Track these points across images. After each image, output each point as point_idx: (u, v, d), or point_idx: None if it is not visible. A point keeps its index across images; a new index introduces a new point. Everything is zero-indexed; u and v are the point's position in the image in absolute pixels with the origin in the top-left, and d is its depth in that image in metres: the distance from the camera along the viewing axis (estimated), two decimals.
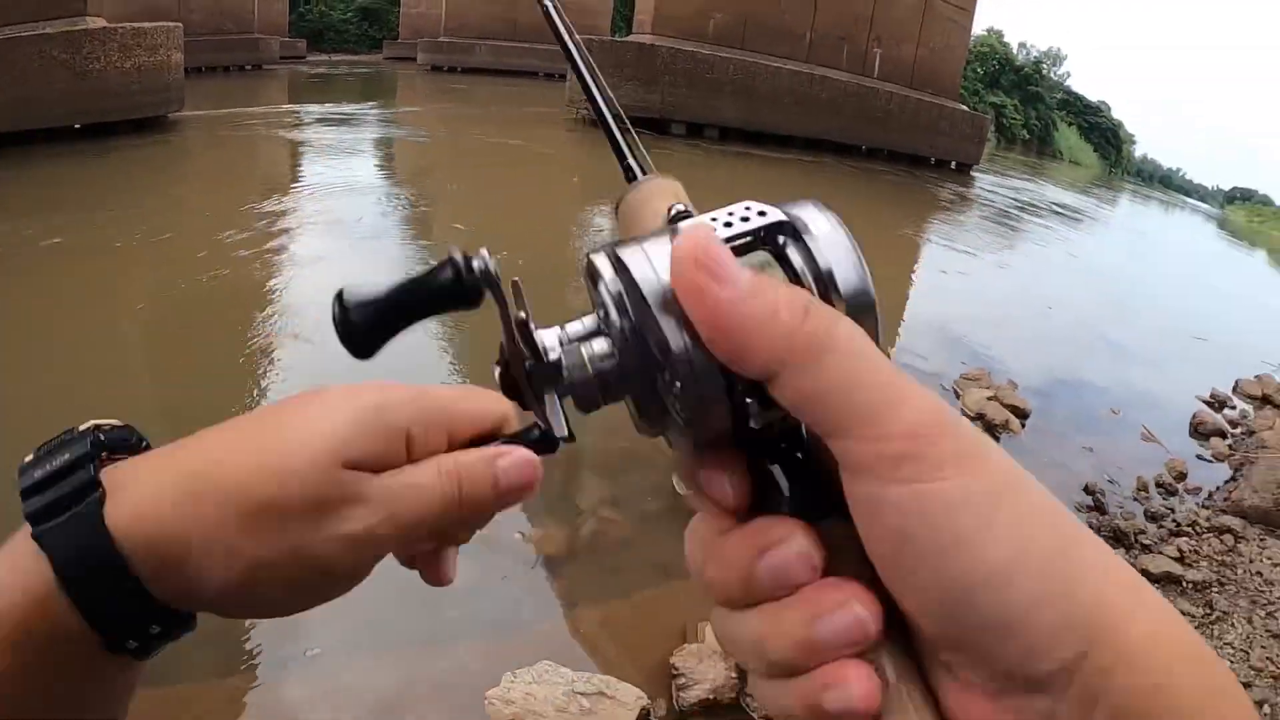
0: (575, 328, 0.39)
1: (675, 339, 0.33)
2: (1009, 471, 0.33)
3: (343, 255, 7.48)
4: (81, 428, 0.46)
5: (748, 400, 0.34)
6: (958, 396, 5.84)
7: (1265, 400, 6.93)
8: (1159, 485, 5.06)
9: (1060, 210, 19.38)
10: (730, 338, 0.32)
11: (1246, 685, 3.21)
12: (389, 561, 0.50)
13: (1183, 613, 3.65)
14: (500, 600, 3.39)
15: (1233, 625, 3.68)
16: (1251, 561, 4.24)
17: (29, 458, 0.45)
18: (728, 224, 0.37)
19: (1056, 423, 5.76)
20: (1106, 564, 0.33)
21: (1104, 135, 67.25)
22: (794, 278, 0.36)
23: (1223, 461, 5.59)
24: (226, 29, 24.38)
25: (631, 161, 0.57)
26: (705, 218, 0.38)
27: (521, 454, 0.49)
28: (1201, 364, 8.08)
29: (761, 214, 0.38)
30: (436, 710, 2.80)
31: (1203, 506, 4.85)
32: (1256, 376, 7.42)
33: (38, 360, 4.88)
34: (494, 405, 0.51)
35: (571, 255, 8.77)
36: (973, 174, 21.50)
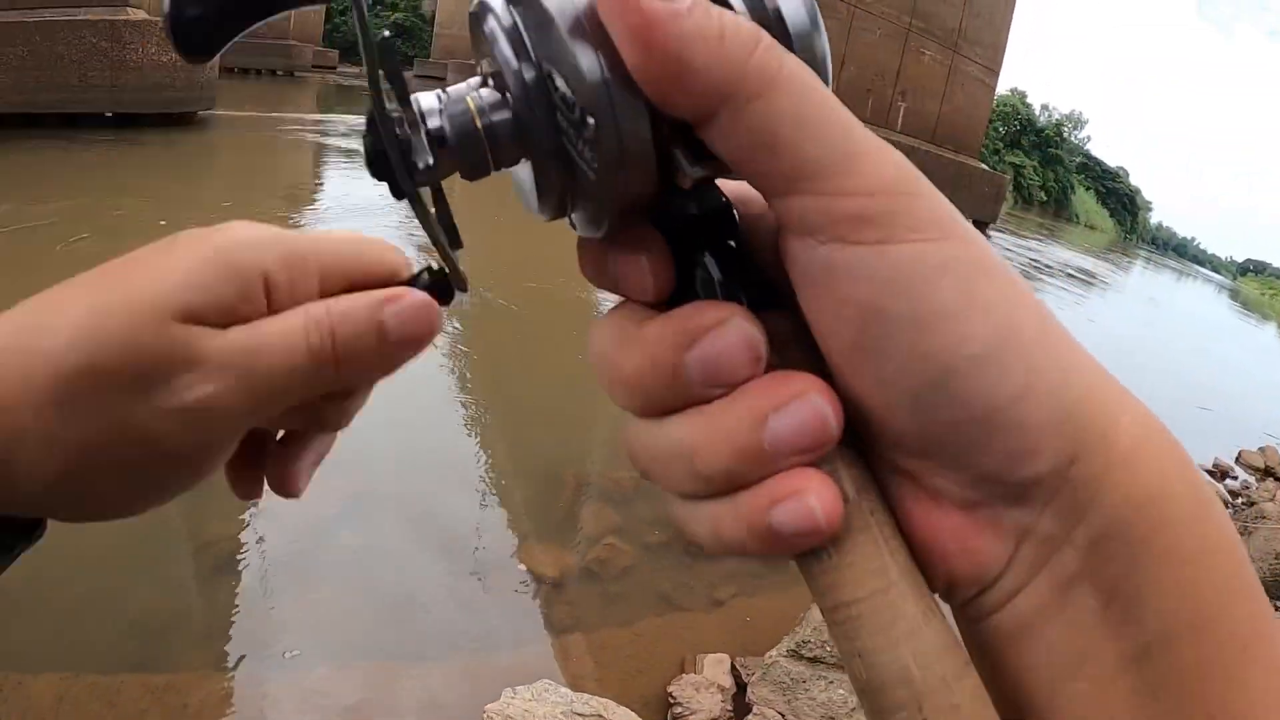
0: (457, 87, 0.31)
1: (590, 64, 0.26)
2: (987, 245, 0.28)
3: None
4: None
5: (675, 152, 0.28)
6: None
7: (1267, 472, 6.94)
8: None
9: (1074, 274, 19.49)
10: (664, 62, 0.25)
11: None
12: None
13: None
14: (501, 619, 3.43)
15: None
16: None
17: None
18: None
19: None
20: (1090, 360, 0.30)
21: (1121, 201, 67.49)
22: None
23: None
24: (262, 33, 24.51)
25: None
26: None
27: (417, 297, 0.38)
28: (1206, 433, 8.09)
29: None
30: (434, 718, 2.85)
31: None
32: (1260, 448, 7.44)
33: None
34: (384, 254, 0.41)
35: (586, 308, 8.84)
36: (989, 232, 21.63)
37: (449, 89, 0.32)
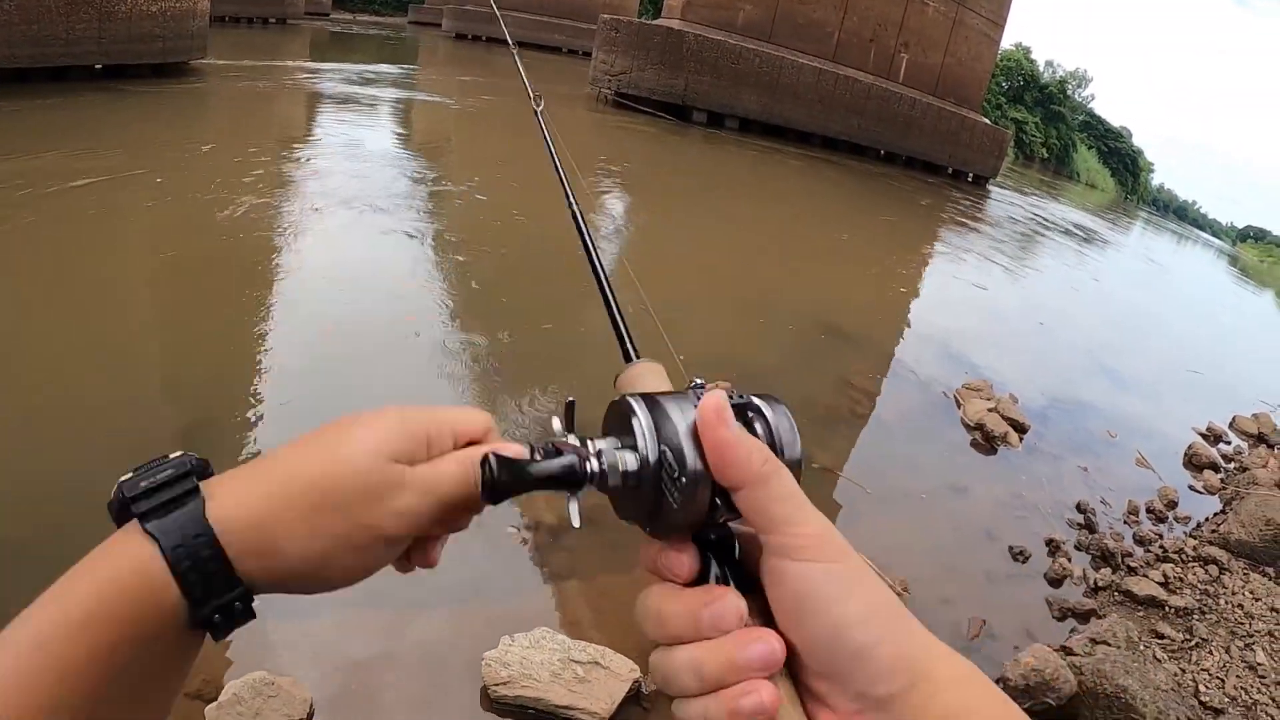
0: (604, 446, 0.56)
1: (692, 454, 0.52)
2: (864, 563, 0.53)
3: (349, 214, 7.46)
4: (173, 455, 0.58)
5: (717, 502, 0.52)
6: (959, 405, 5.88)
7: (1260, 438, 6.97)
8: (1149, 511, 5.10)
9: (1074, 231, 19.37)
10: (725, 459, 0.51)
11: (1219, 712, 3.28)
12: None
13: (1162, 636, 3.71)
14: (500, 568, 3.43)
15: (1211, 652, 3.73)
16: (1234, 594, 4.29)
17: (127, 475, 0.56)
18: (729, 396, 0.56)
19: (1054, 440, 5.81)
20: (920, 627, 0.52)
21: (1123, 161, 67.03)
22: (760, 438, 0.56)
23: (1214, 494, 5.65)
24: None
25: (629, 347, 0.76)
26: (718, 395, 0.54)
27: (517, 447, 0.60)
28: (1201, 397, 8.15)
29: (741, 397, 0.58)
30: (433, 670, 2.84)
31: (1190, 535, 4.89)
32: (1254, 414, 7.47)
33: (53, 290, 4.93)
34: (481, 418, 0.65)
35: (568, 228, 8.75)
36: (989, 187, 21.48)
37: (598, 443, 0.56)
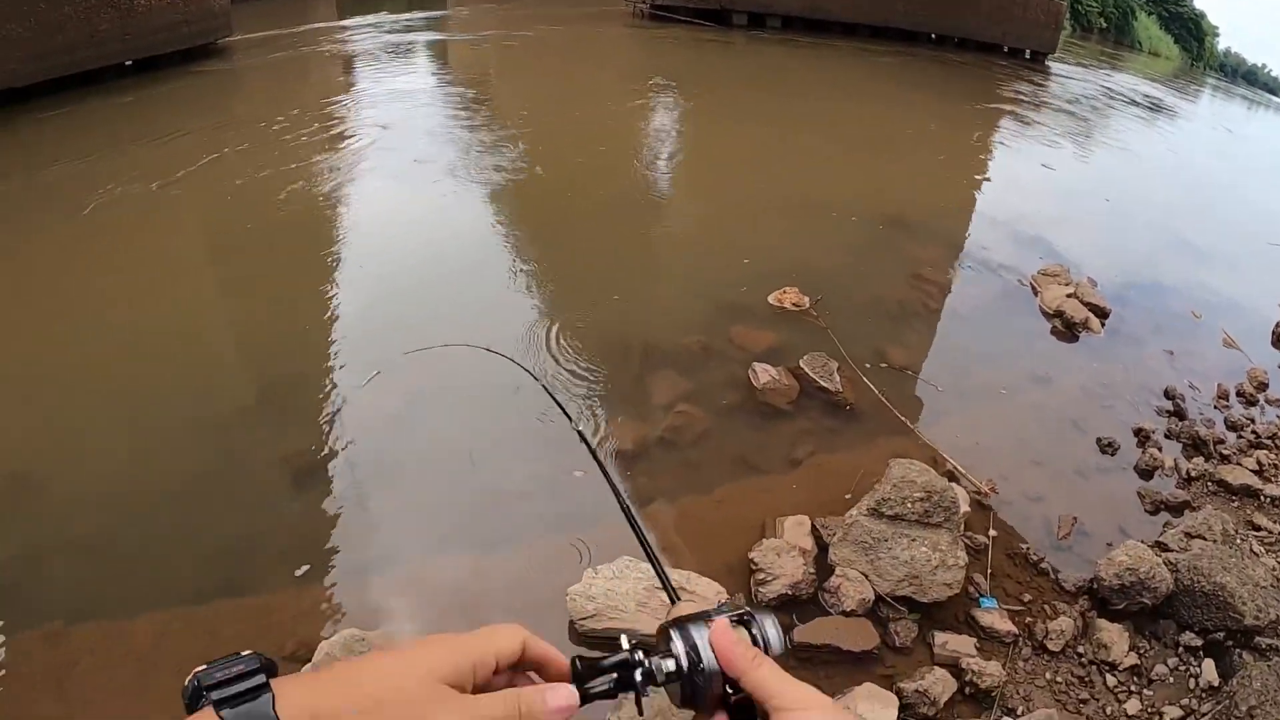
0: (659, 661, 0.76)
1: (710, 662, 0.75)
2: (846, 713, 0.80)
3: (403, 164, 7.41)
4: (244, 653, 0.64)
5: (729, 688, 0.75)
6: (1035, 292, 5.66)
7: None
8: (1240, 394, 4.90)
9: (1140, 103, 18.44)
10: (726, 659, 0.74)
11: None
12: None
13: (1259, 528, 3.56)
14: (581, 498, 3.39)
15: None
16: None
17: (202, 667, 0.62)
18: (731, 615, 0.79)
19: (1136, 324, 5.57)
20: None
21: (1185, 26, 63.49)
22: (754, 638, 0.78)
23: None
24: None
25: (671, 592, 0.98)
26: (723, 619, 0.78)
27: (567, 689, 0.73)
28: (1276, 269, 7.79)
29: (741, 615, 0.79)
30: (519, 606, 2.84)
31: None
32: None
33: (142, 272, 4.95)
34: (514, 638, 0.75)
35: (630, 148, 8.55)
36: (1048, 63, 20.50)
37: (650, 660, 0.77)
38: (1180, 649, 2.98)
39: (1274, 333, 5.88)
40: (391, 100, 9.84)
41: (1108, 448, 4.11)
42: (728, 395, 4.06)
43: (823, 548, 3.12)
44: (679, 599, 0.94)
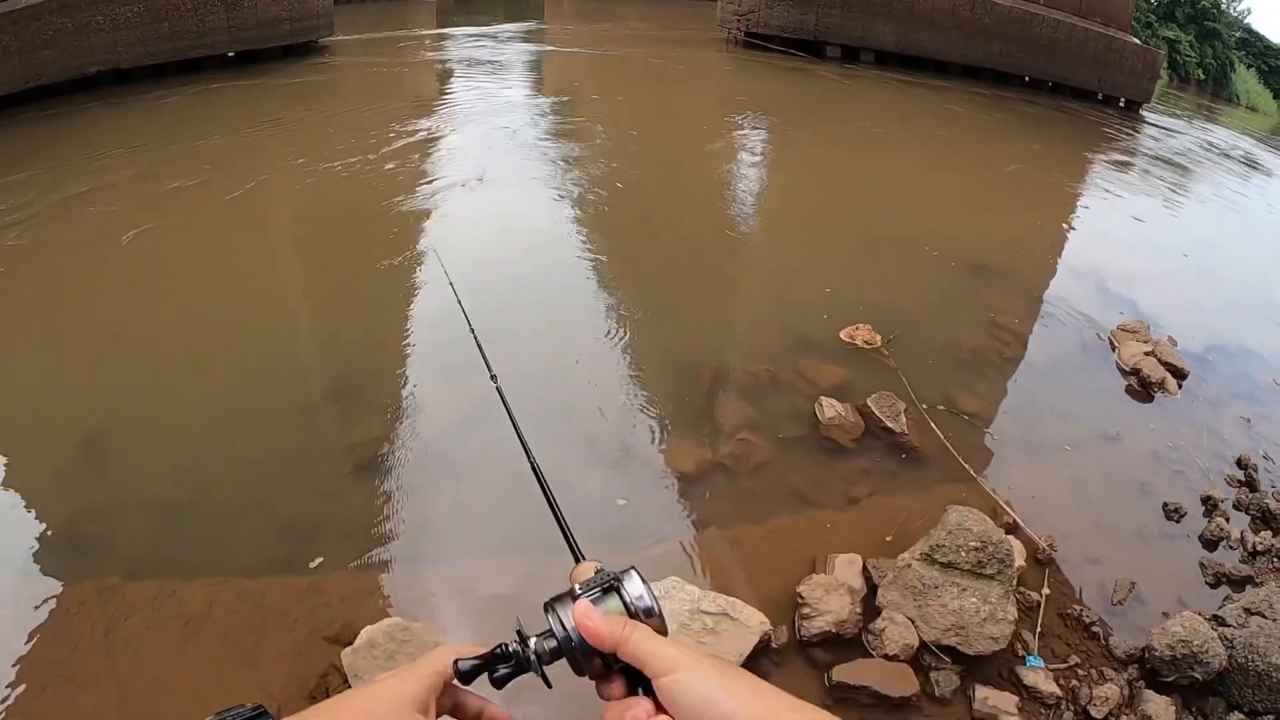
0: (544, 642, 0.84)
1: (581, 640, 0.81)
2: (717, 660, 0.78)
3: (495, 171, 7.63)
4: (247, 705, 0.77)
5: (607, 655, 0.81)
6: (1113, 348, 5.55)
7: None
8: None
9: (1234, 159, 17.91)
10: (599, 643, 0.80)
11: None
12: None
13: None
14: (637, 514, 3.46)
15: None
16: None
17: (211, 717, 0.72)
18: (591, 589, 0.85)
19: (1214, 388, 5.42)
20: (774, 688, 0.77)
21: None
22: (624, 606, 0.83)
23: None
24: None
25: (575, 551, 1.04)
26: (584, 598, 0.84)
27: (505, 714, 0.88)
28: None
29: (603, 577, 0.86)
30: None
31: None
32: None
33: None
34: (447, 660, 0.84)
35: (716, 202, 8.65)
36: (1143, 112, 20.03)
37: (530, 640, 0.84)
38: None
39: None
40: (482, 109, 10.18)
41: (1173, 514, 4.02)
42: (792, 427, 4.09)
43: (872, 589, 3.13)
44: (583, 559, 1.00)
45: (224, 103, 10.03)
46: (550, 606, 0.86)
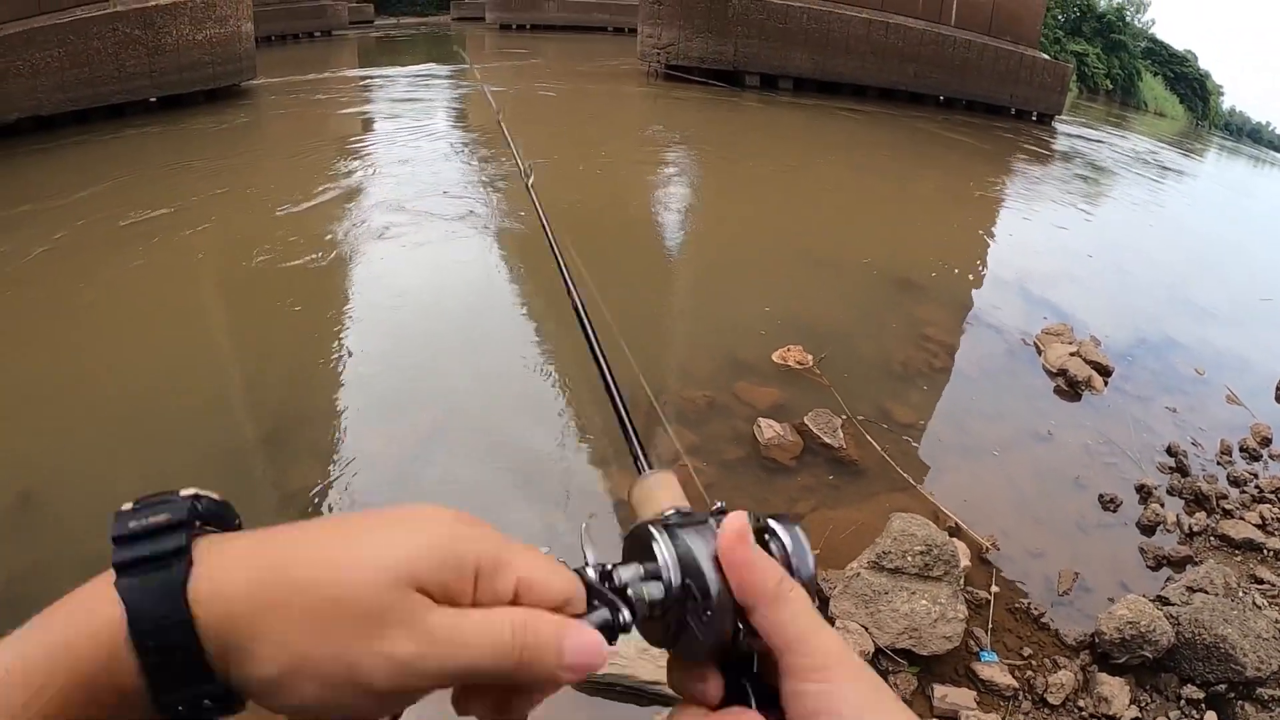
0: (628, 577, 0.53)
1: (715, 585, 0.52)
2: (877, 679, 0.52)
3: (417, 216, 7.62)
4: (183, 493, 0.47)
5: (740, 625, 0.52)
6: (1039, 351, 5.74)
7: None
8: (1243, 450, 4.93)
9: (1145, 163, 18.64)
10: (743, 579, 0.52)
11: None
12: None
13: (1262, 581, 3.58)
14: (572, 551, 3.40)
15: None
16: None
17: (127, 506, 0.46)
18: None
19: (1139, 382, 5.63)
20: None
21: (1190, 86, 64.34)
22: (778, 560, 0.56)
23: None
24: None
25: (642, 460, 0.73)
26: (739, 516, 0.55)
27: (593, 637, 0.48)
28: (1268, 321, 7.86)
29: (759, 520, 0.57)
30: None
31: None
32: None
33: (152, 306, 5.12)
34: (565, 583, 0.50)
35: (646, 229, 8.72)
36: (1054, 124, 20.79)
37: (622, 573, 0.53)
38: (1182, 702, 3.00)
39: (1277, 388, 5.92)
40: (405, 152, 10.18)
41: (1109, 504, 4.15)
42: (732, 450, 4.14)
43: (824, 601, 3.18)
44: (650, 467, 0.71)
45: (145, 148, 9.96)
46: (668, 533, 0.54)
